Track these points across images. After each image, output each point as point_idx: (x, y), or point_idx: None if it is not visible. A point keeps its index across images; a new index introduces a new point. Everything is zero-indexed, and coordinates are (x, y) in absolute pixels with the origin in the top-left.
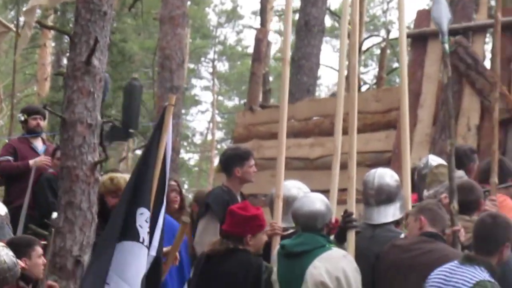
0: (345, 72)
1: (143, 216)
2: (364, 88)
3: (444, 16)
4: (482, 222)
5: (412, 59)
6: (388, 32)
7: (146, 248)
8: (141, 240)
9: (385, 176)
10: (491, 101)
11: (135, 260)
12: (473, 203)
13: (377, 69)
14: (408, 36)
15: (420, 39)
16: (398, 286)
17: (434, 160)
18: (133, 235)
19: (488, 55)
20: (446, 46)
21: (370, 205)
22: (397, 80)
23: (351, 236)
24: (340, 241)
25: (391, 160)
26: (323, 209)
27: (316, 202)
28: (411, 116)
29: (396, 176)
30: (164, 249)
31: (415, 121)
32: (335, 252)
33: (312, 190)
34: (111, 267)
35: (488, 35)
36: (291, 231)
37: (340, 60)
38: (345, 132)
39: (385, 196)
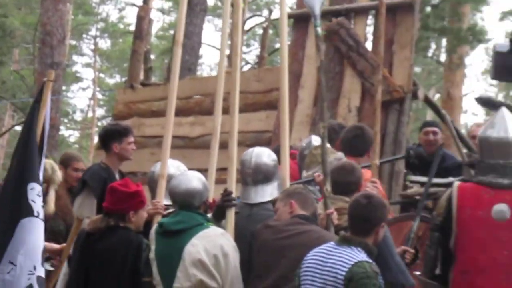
0: (227, 52)
1: (34, 191)
2: (246, 68)
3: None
4: (357, 203)
5: (293, 40)
6: (270, 12)
7: (42, 221)
8: (35, 214)
9: (263, 155)
10: (372, 83)
11: (32, 234)
12: (352, 185)
13: (259, 49)
14: (290, 16)
15: (302, 20)
16: (271, 266)
17: (317, 140)
18: (28, 211)
19: (370, 37)
20: (319, 29)
21: (247, 184)
22: (279, 60)
23: (231, 215)
24: (218, 219)
25: (272, 140)
26: (200, 187)
27: (193, 180)
28: (292, 97)
29: (273, 156)
30: (57, 246)
31: (296, 101)
32: (212, 230)
33: (192, 169)
34: (15, 248)
35: (370, 17)
36: (171, 210)
37: (222, 39)
38: (226, 111)
39: (263, 175)
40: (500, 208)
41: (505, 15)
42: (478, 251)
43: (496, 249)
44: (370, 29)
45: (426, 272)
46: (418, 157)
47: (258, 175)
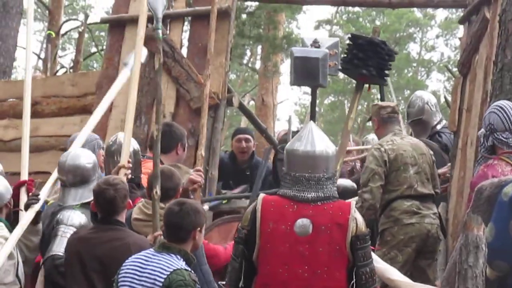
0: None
1: None
2: (61, 72)
3: (160, 3)
4: (170, 210)
5: (109, 44)
6: (86, 16)
7: None
8: None
9: (80, 157)
10: (187, 89)
11: None
12: (170, 190)
13: (74, 53)
14: (106, 21)
15: (117, 25)
16: (82, 277)
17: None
18: None
19: (185, 43)
20: (160, 32)
21: (65, 187)
22: (95, 65)
23: (30, 212)
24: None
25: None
26: (0, 190)
27: None
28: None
29: (92, 157)
30: None
31: (111, 106)
32: None
33: (6, 172)
34: None
35: (186, 23)
36: None
37: (28, 43)
38: (40, 115)
39: (80, 178)
40: (303, 222)
41: (320, 24)
42: (280, 265)
43: (297, 263)
44: (186, 35)
45: (230, 284)
46: (232, 162)
47: (75, 178)
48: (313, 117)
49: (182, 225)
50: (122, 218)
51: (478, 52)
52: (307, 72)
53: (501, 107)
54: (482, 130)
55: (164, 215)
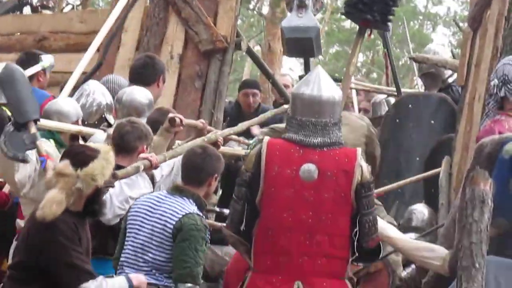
0: None
1: None
2: (68, 8)
3: None
4: (192, 152)
5: None
6: None
7: None
8: None
9: (135, 94)
10: (196, 31)
11: None
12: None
13: None
14: None
15: None
16: None
17: None
18: None
19: None
20: None
21: None
22: (101, 3)
23: None
24: None
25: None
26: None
27: None
28: (115, 40)
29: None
30: None
31: (118, 44)
32: None
33: None
34: None
35: None
36: None
37: None
38: (48, 50)
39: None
40: (309, 168)
41: None
42: (284, 210)
43: (302, 209)
44: None
45: (231, 226)
46: (237, 113)
47: (129, 111)
48: None
49: (202, 167)
50: None
51: (490, 6)
52: (301, 49)
53: None
54: (495, 80)
55: (184, 157)
